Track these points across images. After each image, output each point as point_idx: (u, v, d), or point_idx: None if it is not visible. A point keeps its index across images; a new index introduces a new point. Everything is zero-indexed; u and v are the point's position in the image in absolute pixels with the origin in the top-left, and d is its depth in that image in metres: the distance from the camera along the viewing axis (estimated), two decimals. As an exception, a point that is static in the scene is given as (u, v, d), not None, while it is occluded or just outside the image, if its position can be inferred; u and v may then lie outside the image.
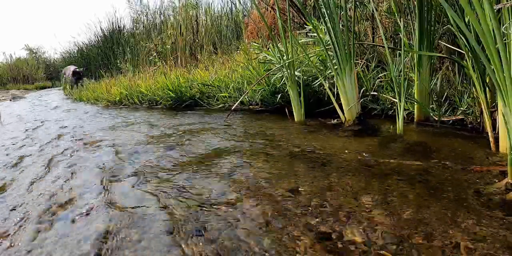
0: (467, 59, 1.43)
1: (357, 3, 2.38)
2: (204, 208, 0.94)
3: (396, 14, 1.83)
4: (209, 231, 0.82)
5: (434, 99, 1.80)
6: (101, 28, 8.75)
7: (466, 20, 1.33)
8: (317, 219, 0.84)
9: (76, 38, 20.27)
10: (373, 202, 0.91)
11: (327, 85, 2.00)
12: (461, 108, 1.69)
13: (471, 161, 1.19)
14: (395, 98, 1.69)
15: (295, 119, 2.04)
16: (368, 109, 2.02)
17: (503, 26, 1.07)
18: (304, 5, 3.40)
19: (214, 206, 0.95)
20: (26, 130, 2.57)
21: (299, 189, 1.04)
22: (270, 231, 0.80)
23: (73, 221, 0.93)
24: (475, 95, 1.53)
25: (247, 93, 2.50)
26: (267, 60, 2.31)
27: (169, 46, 5.59)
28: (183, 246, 0.76)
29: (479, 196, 0.92)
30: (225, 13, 6.15)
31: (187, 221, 0.88)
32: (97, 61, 8.54)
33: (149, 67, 5.50)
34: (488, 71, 1.12)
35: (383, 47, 1.79)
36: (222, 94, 2.82)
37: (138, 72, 5.40)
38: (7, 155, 1.79)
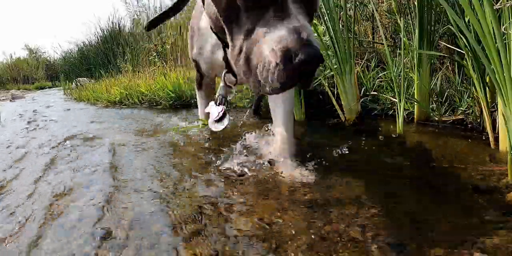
0: (467, 59, 1.43)
1: (357, 3, 2.38)
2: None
3: (396, 14, 1.83)
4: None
5: (434, 99, 1.80)
6: (100, 28, 8.76)
7: (466, 20, 1.33)
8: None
9: (76, 38, 20.30)
10: (372, 201, 0.91)
11: (327, 84, 2.00)
12: (461, 108, 1.69)
13: (471, 160, 1.20)
14: (395, 98, 1.69)
15: (295, 118, 2.04)
16: (368, 109, 2.02)
17: (503, 26, 1.07)
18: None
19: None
20: (27, 129, 2.57)
21: (301, 191, 1.04)
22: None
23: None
24: (475, 95, 1.53)
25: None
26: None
27: (169, 46, 5.59)
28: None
29: (479, 196, 0.92)
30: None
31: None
32: (97, 61, 8.54)
33: (149, 67, 5.50)
34: (488, 71, 1.12)
35: (383, 46, 1.79)
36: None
37: (138, 72, 5.40)
38: (9, 153, 1.79)
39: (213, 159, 1.35)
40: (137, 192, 1.10)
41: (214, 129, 1.14)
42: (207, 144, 1.61)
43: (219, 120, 1.15)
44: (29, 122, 3.02)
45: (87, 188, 1.17)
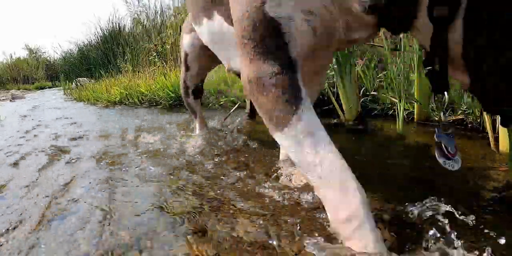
0: (467, 59, 1.43)
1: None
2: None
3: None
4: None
5: (434, 99, 1.80)
6: (100, 28, 8.76)
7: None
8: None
9: (76, 38, 20.30)
10: (372, 200, 0.91)
11: (327, 84, 2.00)
12: (461, 108, 1.69)
13: (471, 160, 1.20)
14: (395, 98, 1.69)
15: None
16: (368, 109, 2.02)
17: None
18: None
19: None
20: (26, 130, 2.57)
21: (302, 190, 1.03)
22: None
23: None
24: (475, 95, 1.53)
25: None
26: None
27: (169, 46, 5.59)
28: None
29: (478, 195, 0.92)
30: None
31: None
32: (97, 61, 8.54)
33: (149, 67, 5.50)
34: (488, 71, 1.12)
35: (382, 46, 1.79)
36: (223, 100, 2.82)
37: (138, 72, 5.40)
38: (5, 154, 1.79)
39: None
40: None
41: (449, 168, 0.77)
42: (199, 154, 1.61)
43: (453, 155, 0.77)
44: (28, 122, 3.02)
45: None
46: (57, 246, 0.81)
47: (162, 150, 1.58)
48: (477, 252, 0.67)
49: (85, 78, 7.52)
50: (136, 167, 1.36)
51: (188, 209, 0.95)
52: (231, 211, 0.92)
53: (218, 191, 1.06)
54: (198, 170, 1.27)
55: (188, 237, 0.80)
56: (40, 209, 1.03)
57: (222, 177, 1.17)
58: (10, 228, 0.93)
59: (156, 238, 0.81)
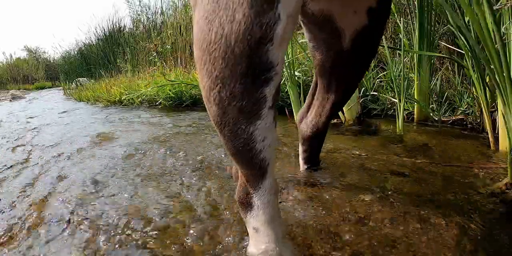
0: (467, 59, 1.43)
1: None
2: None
3: (396, 14, 1.83)
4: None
5: (434, 99, 1.80)
6: (100, 28, 8.77)
7: (466, 20, 1.33)
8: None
9: (76, 39, 20.31)
10: (371, 200, 0.91)
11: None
12: (461, 108, 1.69)
13: (471, 160, 1.20)
14: (395, 98, 1.69)
15: (295, 119, 2.04)
16: (368, 109, 2.02)
17: (503, 26, 1.07)
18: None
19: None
20: (25, 130, 2.57)
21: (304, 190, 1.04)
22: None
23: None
24: (475, 95, 1.53)
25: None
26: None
27: (169, 46, 5.59)
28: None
29: (479, 195, 0.92)
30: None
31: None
32: (97, 61, 8.55)
33: (149, 67, 5.50)
34: (488, 71, 1.12)
35: (383, 47, 1.79)
36: None
37: (138, 72, 5.40)
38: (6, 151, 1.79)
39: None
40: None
41: None
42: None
43: None
44: (27, 122, 3.02)
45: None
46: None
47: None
48: (476, 251, 0.67)
49: (85, 78, 7.52)
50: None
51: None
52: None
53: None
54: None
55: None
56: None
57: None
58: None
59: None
